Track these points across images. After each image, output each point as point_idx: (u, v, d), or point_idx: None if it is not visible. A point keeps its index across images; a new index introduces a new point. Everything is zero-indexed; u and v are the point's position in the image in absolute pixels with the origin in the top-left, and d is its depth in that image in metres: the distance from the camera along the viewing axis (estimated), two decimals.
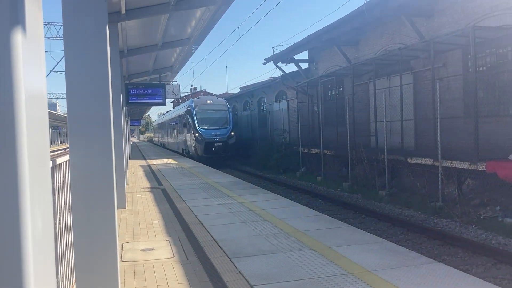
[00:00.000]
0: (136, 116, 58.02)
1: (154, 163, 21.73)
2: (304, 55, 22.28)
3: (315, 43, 18.48)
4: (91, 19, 3.78)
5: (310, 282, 4.27)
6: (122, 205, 8.86)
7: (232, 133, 25.58)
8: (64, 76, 3.78)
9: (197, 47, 13.08)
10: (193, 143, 25.73)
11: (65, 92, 3.80)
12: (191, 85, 72.30)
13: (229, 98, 35.95)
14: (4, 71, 1.42)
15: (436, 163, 10.91)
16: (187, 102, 30.27)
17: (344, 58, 17.68)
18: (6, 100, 1.42)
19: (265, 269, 4.72)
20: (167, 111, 49.80)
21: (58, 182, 3.60)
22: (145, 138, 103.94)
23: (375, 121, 14.51)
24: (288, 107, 23.70)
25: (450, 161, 10.56)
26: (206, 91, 55.54)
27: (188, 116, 26.59)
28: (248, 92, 33.11)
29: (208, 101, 27.20)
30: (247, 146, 29.07)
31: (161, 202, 9.77)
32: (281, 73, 23.65)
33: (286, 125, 22.89)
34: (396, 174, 13.56)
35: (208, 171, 16.53)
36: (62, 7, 3.74)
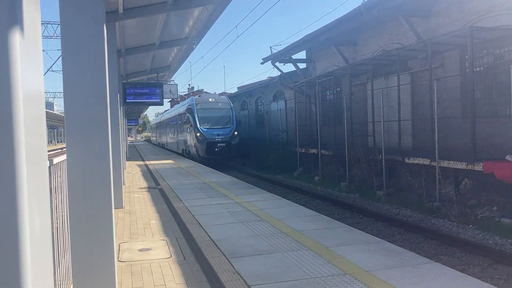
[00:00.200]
0: (133, 115, 57.94)
1: (152, 163, 21.71)
2: (302, 55, 22.33)
3: (313, 43, 18.51)
4: (88, 18, 3.77)
5: (308, 282, 4.27)
6: (119, 205, 8.85)
7: (236, 132, 24.19)
8: (61, 75, 3.77)
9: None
10: (194, 143, 24.35)
11: (62, 91, 3.79)
12: (189, 85, 72.18)
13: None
14: (2, 70, 1.41)
15: (434, 163, 10.94)
16: (187, 100, 28.86)
17: (342, 58, 17.70)
18: (4, 99, 1.42)
19: (262, 269, 4.72)
20: (165, 110, 48.98)
21: (55, 182, 3.59)
22: (142, 138, 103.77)
23: (372, 121, 14.53)
24: (285, 107, 23.69)
25: (448, 161, 10.59)
26: (204, 90, 55.37)
27: (189, 115, 25.23)
28: (246, 92, 33.12)
29: (210, 99, 25.71)
30: (244, 146, 29.08)
31: (158, 202, 9.75)
32: (279, 73, 23.67)
33: (283, 125, 22.88)
34: (394, 174, 13.58)
35: (206, 170, 16.52)
36: (60, 6, 3.73)
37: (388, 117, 13.43)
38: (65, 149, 3.80)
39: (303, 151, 19.40)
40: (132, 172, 16.94)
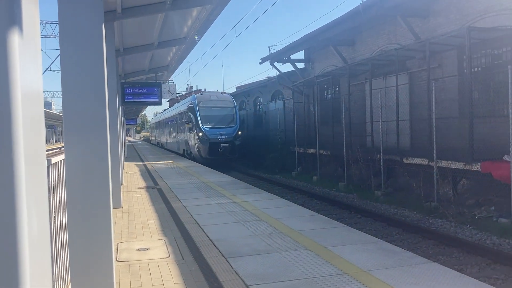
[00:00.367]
0: (131, 115, 57.81)
1: (151, 163, 21.68)
2: (300, 54, 22.33)
3: (312, 43, 18.52)
4: (87, 18, 3.77)
5: (306, 282, 4.28)
6: (117, 205, 8.83)
7: (239, 132, 23.10)
8: (59, 74, 3.76)
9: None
10: (196, 143, 23.16)
11: (61, 90, 3.78)
12: (187, 84, 72.27)
13: None
14: (1, 69, 1.41)
15: (432, 163, 10.95)
16: (189, 98, 27.35)
17: (340, 58, 17.71)
18: (2, 98, 1.42)
19: (260, 269, 4.72)
20: (165, 109, 48.42)
21: (53, 182, 3.58)
22: (141, 137, 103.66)
23: (371, 121, 14.55)
24: (284, 106, 23.70)
25: (445, 161, 10.61)
26: (205, 90, 55.08)
27: (191, 113, 24.03)
28: (244, 92, 33.10)
29: (213, 97, 24.44)
30: (244, 145, 29.04)
31: (156, 201, 9.75)
32: (277, 73, 23.65)
33: (282, 125, 22.85)
34: (392, 174, 13.60)
35: (204, 170, 16.52)
36: (58, 5, 3.72)
37: (386, 117, 13.45)
38: (63, 148, 3.80)
39: (301, 151, 19.41)
40: (131, 171, 16.93)
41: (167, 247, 5.90)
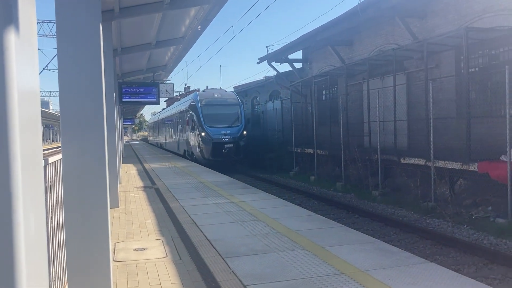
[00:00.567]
0: (129, 114, 57.73)
1: (148, 163, 21.65)
2: (298, 54, 22.37)
3: (309, 42, 18.53)
4: (84, 17, 3.76)
5: (303, 282, 4.28)
6: (115, 204, 8.82)
7: (245, 132, 21.71)
8: (57, 74, 3.75)
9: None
10: (198, 144, 21.89)
11: (58, 90, 3.77)
12: (185, 84, 72.11)
13: None
14: None
15: (429, 163, 10.97)
16: (190, 95, 25.83)
17: (338, 58, 17.73)
18: None
19: (258, 269, 4.72)
20: (163, 108, 47.92)
21: (50, 181, 3.57)
22: (138, 137, 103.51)
23: (368, 121, 14.56)
24: (282, 106, 23.70)
25: (443, 162, 10.63)
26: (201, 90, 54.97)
27: (192, 112, 22.70)
28: (242, 92, 33.09)
29: (216, 95, 22.97)
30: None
31: (154, 201, 9.73)
32: (275, 73, 23.65)
33: (279, 125, 22.84)
34: (389, 174, 13.62)
35: (202, 170, 16.51)
36: (56, 4, 3.71)
37: (384, 117, 13.47)
38: (60, 148, 3.79)
39: (299, 150, 19.42)
40: (128, 171, 16.90)
41: (164, 247, 5.89)
